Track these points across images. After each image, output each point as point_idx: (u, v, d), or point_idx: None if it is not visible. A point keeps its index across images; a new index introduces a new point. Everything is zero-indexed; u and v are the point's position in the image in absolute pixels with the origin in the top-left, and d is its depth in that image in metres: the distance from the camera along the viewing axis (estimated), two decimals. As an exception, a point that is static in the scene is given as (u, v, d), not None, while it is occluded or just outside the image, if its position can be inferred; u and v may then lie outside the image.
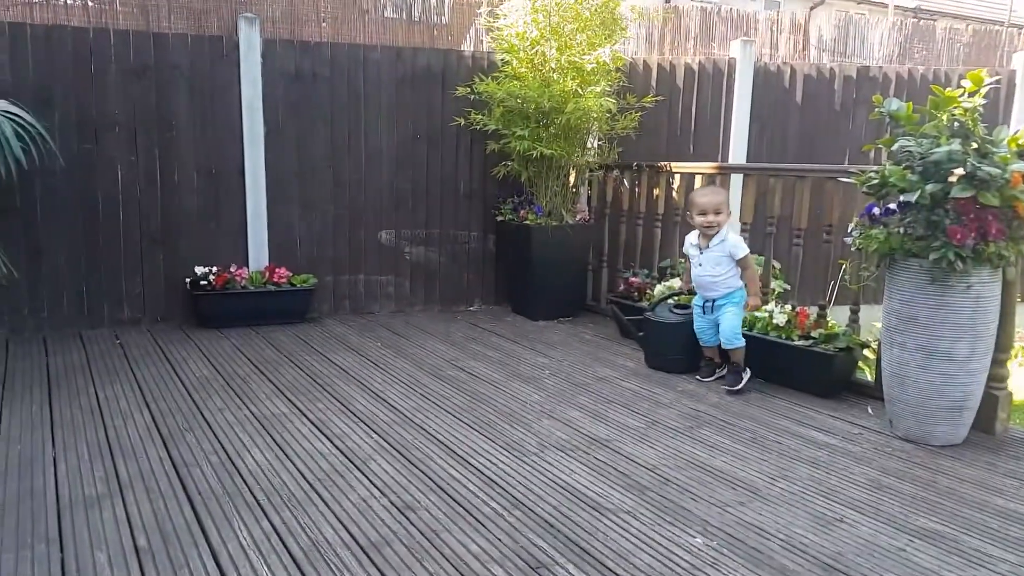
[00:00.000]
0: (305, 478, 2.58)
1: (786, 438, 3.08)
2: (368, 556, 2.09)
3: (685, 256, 4.01)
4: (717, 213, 3.70)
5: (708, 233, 3.72)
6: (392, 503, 2.42)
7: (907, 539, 2.26)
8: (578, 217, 5.30)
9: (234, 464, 2.69)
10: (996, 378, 3.12)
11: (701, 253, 3.77)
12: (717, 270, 3.73)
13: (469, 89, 5.15)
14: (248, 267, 4.90)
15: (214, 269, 4.73)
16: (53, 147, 4.25)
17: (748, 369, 3.73)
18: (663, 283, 4.60)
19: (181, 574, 1.97)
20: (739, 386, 3.67)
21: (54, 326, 4.55)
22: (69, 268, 4.57)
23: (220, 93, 4.81)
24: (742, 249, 3.71)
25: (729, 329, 3.71)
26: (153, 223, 4.74)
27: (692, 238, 3.85)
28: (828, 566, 2.09)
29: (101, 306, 4.67)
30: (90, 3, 4.58)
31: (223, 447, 2.84)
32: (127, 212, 4.68)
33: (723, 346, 3.77)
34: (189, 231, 4.83)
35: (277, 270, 4.84)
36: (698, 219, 3.73)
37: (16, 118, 3.85)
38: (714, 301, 3.78)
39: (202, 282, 4.65)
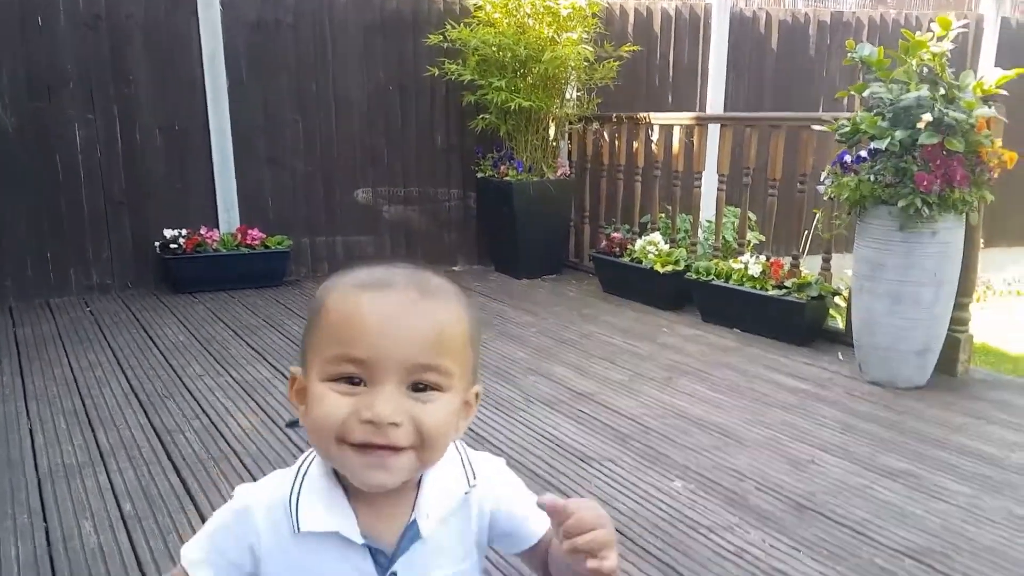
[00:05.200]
0: (293, 442, 2.59)
1: (761, 385, 3.16)
2: (355, 514, 2.12)
3: None
4: (429, 370, 0.75)
5: (386, 467, 0.74)
6: (376, 462, 2.45)
7: (874, 477, 2.35)
8: (559, 172, 5.25)
9: (218, 429, 2.69)
10: (958, 321, 3.21)
11: (388, 566, 0.79)
12: None
13: (442, 36, 5.01)
14: (219, 229, 4.82)
15: (184, 232, 4.65)
16: (1, 110, 4.12)
17: None
18: (644, 237, 4.61)
19: (170, 538, 1.99)
20: None
21: (20, 296, 4.46)
22: (31, 235, 4.46)
23: (179, 44, 4.66)
24: (535, 513, 0.87)
25: None
26: (116, 185, 4.63)
27: (320, 499, 0.80)
28: (801, 505, 2.17)
29: (67, 273, 4.59)
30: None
31: (205, 413, 2.84)
32: (88, 174, 4.56)
33: None
34: (155, 192, 4.72)
35: (249, 232, 4.77)
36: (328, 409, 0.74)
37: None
38: None
39: (172, 245, 4.58)
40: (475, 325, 0.82)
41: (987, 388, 3.15)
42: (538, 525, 0.87)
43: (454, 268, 5.55)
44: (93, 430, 2.68)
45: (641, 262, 4.43)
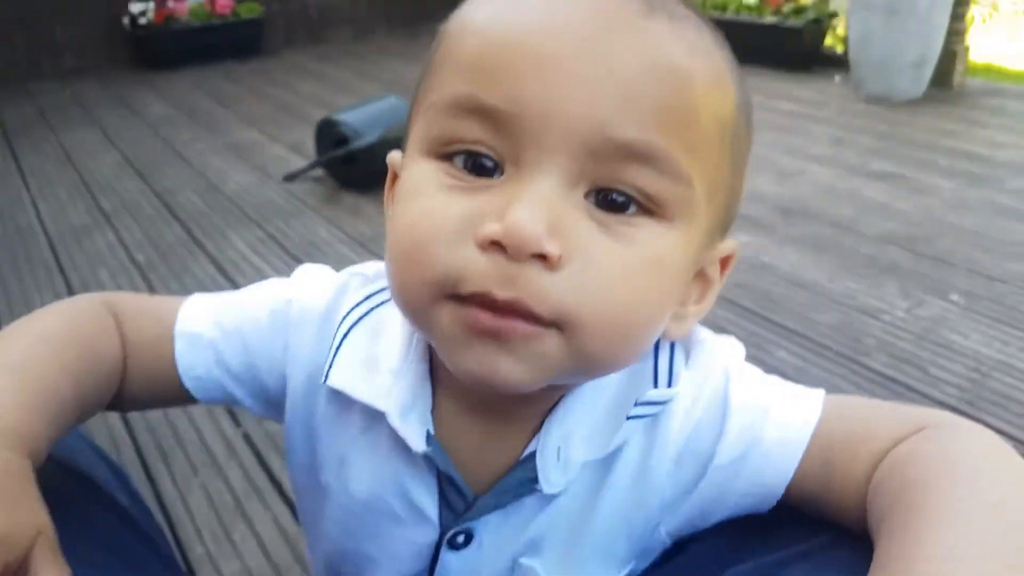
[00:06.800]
0: (293, 195, 2.63)
1: (756, 112, 3.07)
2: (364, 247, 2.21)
3: None
4: (637, 157, 0.38)
5: (510, 348, 0.38)
6: (374, 202, 2.50)
7: (862, 181, 2.40)
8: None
9: (217, 187, 2.73)
10: (955, 32, 3.12)
11: (460, 515, 0.48)
12: None
13: None
14: (186, 0, 4.56)
15: (151, 6, 4.41)
16: None
17: None
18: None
19: (185, 278, 2.09)
20: None
21: (-3, 84, 4.34)
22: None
23: None
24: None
25: None
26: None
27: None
28: (788, 209, 2.24)
29: (39, 59, 4.42)
30: None
31: (202, 174, 2.87)
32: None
33: None
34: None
35: (218, 1, 4.51)
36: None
37: None
38: None
39: (140, 20, 4.37)
40: (746, 102, 0.44)
41: (982, 96, 3.12)
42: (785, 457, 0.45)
43: (440, 25, 5.29)
44: (95, 197, 2.72)
45: (632, 2, 4.22)
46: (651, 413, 0.45)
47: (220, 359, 0.53)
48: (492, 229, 0.36)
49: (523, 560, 0.48)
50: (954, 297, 1.75)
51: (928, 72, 3.06)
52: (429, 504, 0.48)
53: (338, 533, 0.53)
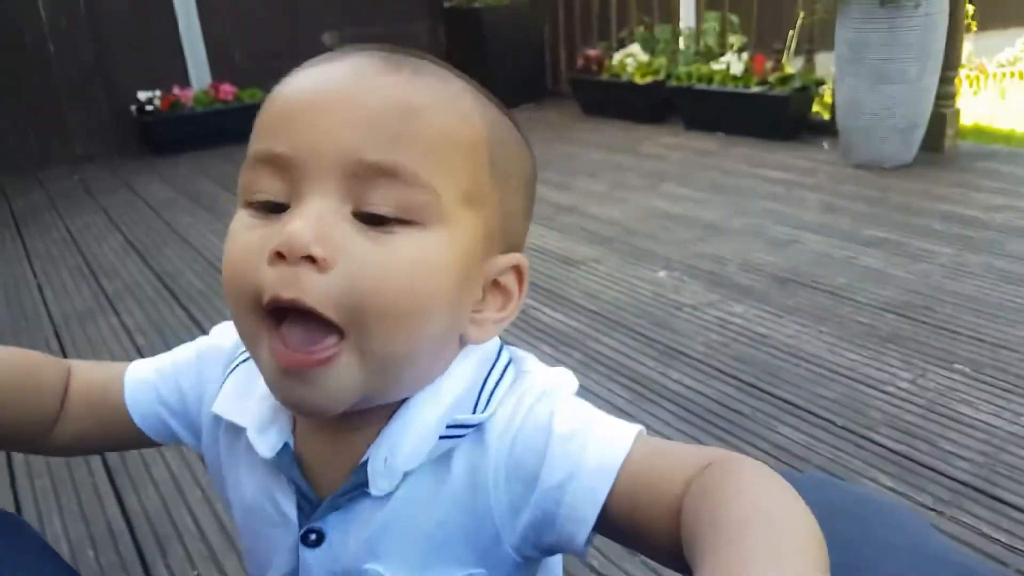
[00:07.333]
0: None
1: (745, 180, 3.18)
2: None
3: None
4: (384, 174, 0.46)
5: (300, 371, 0.47)
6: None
7: (857, 248, 2.42)
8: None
9: (218, 268, 2.75)
10: (944, 96, 3.18)
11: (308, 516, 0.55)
12: None
13: None
14: (192, 87, 4.71)
15: (157, 93, 4.55)
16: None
17: None
18: (621, 51, 4.48)
19: (185, 362, 2.10)
20: None
21: (8, 171, 4.43)
22: (7, 110, 4.39)
23: None
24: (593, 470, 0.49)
25: None
26: (85, 52, 4.49)
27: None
28: (783, 279, 2.26)
29: (49, 146, 4.54)
30: None
31: (203, 256, 2.91)
32: (57, 43, 4.42)
33: None
34: (123, 56, 4.58)
35: (222, 87, 4.66)
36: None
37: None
38: None
39: (148, 107, 4.49)
40: (500, 132, 0.52)
41: (974, 160, 3.17)
42: (592, 492, 0.48)
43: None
44: (98, 280, 2.75)
45: (620, 76, 4.34)
46: (460, 435, 0.51)
47: (160, 397, 0.63)
48: (273, 243, 0.45)
49: (367, 566, 0.53)
50: (959, 366, 1.74)
51: (918, 137, 3.11)
52: (289, 507, 0.56)
53: (244, 540, 0.62)
